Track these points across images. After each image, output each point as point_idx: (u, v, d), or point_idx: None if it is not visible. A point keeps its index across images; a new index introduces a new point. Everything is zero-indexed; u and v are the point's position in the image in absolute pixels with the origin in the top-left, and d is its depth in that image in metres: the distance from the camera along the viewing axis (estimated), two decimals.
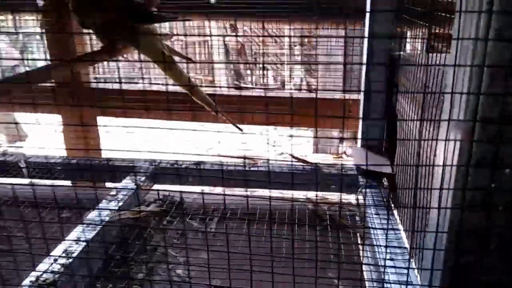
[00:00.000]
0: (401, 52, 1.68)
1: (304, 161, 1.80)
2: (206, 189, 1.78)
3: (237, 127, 1.36)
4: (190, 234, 1.53)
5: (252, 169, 1.80)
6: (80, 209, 1.67)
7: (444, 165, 0.89)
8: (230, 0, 1.93)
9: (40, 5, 1.69)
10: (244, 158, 1.88)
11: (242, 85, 8.71)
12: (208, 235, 1.51)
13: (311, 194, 1.71)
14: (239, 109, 1.95)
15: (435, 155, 1.01)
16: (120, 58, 1.48)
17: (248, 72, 9.41)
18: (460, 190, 0.84)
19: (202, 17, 1.97)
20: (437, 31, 1.04)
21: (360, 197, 1.59)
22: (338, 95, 2.04)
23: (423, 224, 1.08)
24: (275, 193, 1.65)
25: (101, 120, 2.13)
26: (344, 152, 6.20)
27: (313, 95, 1.98)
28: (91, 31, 1.31)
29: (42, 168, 1.89)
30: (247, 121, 1.98)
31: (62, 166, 1.89)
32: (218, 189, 1.78)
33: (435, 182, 0.99)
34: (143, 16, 1.22)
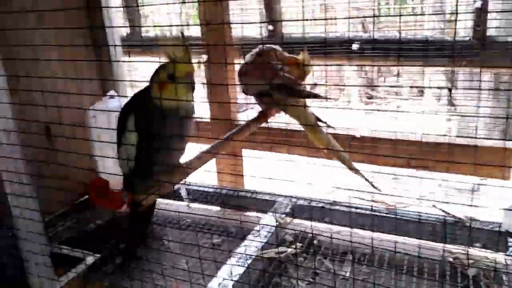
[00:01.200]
0: None
1: (446, 212, 1.76)
2: (341, 229, 1.85)
3: (375, 187, 1.42)
4: (325, 276, 1.63)
5: (389, 215, 1.82)
6: (229, 237, 1.90)
7: None
8: (374, 45, 1.95)
9: (203, 59, 1.97)
10: (380, 202, 1.90)
11: (375, 94, 8.45)
12: (344, 280, 1.59)
13: (449, 247, 1.66)
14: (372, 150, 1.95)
15: None
16: None
17: (382, 80, 9.06)
18: None
19: (344, 61, 2.04)
20: None
21: (509, 260, 1.51)
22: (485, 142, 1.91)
23: None
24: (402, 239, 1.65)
25: (246, 152, 2.35)
26: None
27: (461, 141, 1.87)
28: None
29: (198, 194, 2.18)
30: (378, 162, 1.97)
31: (214, 194, 2.16)
32: (352, 230, 1.83)
33: None
34: (292, 91, 1.37)
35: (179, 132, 1.09)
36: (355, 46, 1.88)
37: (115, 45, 2.09)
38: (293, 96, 1.39)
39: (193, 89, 1.11)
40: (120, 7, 2.97)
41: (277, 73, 1.38)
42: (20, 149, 1.16)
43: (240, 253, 1.63)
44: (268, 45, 1.52)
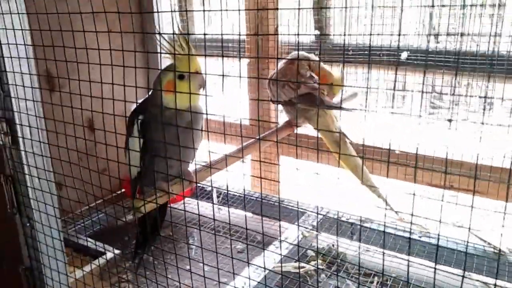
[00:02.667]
0: None
1: (484, 241, 1.60)
2: (369, 248, 1.75)
3: (395, 211, 1.32)
4: None
5: (423, 239, 1.69)
6: (250, 245, 1.86)
7: None
8: (423, 56, 1.83)
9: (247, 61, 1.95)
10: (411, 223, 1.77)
11: (439, 103, 7.98)
12: None
13: (486, 280, 1.51)
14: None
15: None
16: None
17: (449, 89, 8.51)
18: None
19: (392, 71, 1.91)
20: None
21: None
22: None
23: None
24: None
25: (283, 159, 2.30)
26: None
27: None
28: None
29: (228, 197, 2.17)
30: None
31: (243, 199, 2.13)
32: (380, 250, 1.72)
33: None
34: (314, 100, 1.31)
35: (184, 139, 1.04)
36: (404, 56, 1.77)
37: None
38: (313, 106, 1.32)
39: (203, 86, 1.07)
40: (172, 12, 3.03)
41: (306, 82, 1.32)
42: (42, 145, 1.20)
43: (257, 265, 1.59)
44: (302, 53, 1.46)
